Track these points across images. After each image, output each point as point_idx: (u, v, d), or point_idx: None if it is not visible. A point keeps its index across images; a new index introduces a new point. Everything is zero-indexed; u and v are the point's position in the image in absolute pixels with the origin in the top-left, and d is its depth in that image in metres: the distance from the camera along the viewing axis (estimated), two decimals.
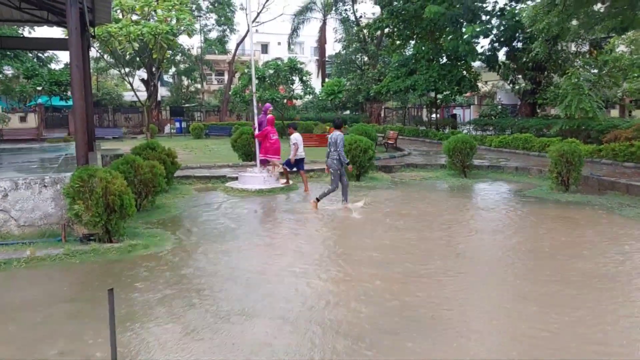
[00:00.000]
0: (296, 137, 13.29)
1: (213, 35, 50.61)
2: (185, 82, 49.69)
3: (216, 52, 53.07)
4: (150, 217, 9.86)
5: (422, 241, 8.13)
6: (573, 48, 24.47)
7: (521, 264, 6.92)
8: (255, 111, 14.31)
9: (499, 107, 31.16)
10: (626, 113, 25.78)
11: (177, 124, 39.78)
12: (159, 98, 40.88)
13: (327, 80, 43.86)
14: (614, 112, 25.83)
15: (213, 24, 48.98)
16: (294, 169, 13.36)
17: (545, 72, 24.84)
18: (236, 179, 13.96)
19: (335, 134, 10.56)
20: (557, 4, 13.48)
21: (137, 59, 33.39)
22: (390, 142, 21.93)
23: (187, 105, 45.49)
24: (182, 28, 25.07)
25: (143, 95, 35.22)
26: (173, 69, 46.13)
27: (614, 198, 11.30)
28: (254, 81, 15.09)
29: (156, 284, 6.19)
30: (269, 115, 13.64)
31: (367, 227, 9.26)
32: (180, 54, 42.09)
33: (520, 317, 5.17)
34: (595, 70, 20.49)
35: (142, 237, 8.18)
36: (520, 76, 27.24)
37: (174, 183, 12.92)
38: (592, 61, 21.01)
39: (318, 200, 10.64)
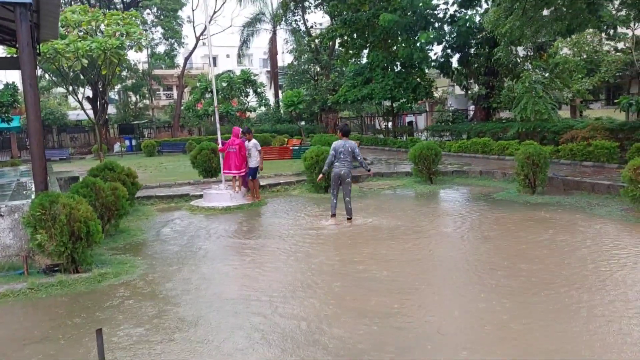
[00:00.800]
0: (257, 143, 13.06)
1: (160, 49, 49.53)
2: (133, 98, 48.27)
3: (163, 67, 51.91)
4: (116, 242, 9.33)
5: (409, 253, 7.91)
6: (521, 52, 25.09)
7: (515, 271, 6.78)
8: (218, 125, 13.92)
9: (452, 113, 31.61)
10: (577, 113, 26.66)
11: (128, 142, 38.53)
12: (106, 116, 39.51)
13: (280, 91, 43.61)
14: (563, 113, 26.64)
15: (160, 38, 47.97)
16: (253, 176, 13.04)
17: (498, 77, 25.36)
18: (200, 196, 13.46)
19: (350, 143, 10.22)
20: (516, 9, 13.74)
21: (82, 76, 32.16)
22: None
23: (136, 122, 44.21)
24: (129, 43, 24.27)
25: (89, 113, 33.89)
26: (119, 85, 44.74)
27: (582, 197, 11.46)
28: (215, 95, 14.68)
29: (133, 317, 5.70)
30: (235, 127, 13.28)
31: (351, 241, 8.97)
32: (126, 70, 40.88)
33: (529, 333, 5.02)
34: (546, 73, 21.04)
35: (110, 265, 7.66)
36: (472, 81, 27.73)
37: (135, 204, 12.33)
38: (542, 64, 21.58)
39: (350, 219, 10.17)
